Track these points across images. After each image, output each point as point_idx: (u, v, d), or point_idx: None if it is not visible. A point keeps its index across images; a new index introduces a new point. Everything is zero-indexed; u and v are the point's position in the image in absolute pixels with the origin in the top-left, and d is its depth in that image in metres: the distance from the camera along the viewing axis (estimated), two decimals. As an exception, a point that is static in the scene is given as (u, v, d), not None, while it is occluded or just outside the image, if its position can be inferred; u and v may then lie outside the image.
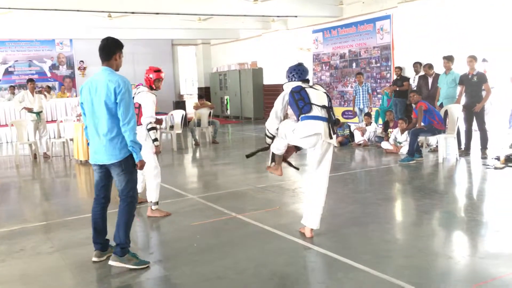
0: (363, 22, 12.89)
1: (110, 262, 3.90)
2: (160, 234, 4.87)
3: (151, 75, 5.47)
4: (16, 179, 8.47)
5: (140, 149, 3.83)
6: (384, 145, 9.43)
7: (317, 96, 4.34)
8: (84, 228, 5.08)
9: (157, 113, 5.86)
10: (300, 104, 4.25)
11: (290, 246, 4.34)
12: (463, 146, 8.70)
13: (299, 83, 4.41)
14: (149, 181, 5.48)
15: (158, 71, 5.51)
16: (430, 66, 9.69)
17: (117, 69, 3.91)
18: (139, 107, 5.41)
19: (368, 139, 10.29)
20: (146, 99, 5.33)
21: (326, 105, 4.34)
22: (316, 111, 4.26)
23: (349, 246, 4.24)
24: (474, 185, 6.93)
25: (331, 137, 4.31)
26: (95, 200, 4.09)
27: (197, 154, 10.54)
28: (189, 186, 7.42)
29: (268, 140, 4.59)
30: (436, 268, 3.70)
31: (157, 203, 5.48)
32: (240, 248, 4.39)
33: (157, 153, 5.57)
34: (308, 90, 4.34)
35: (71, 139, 10.10)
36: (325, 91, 4.50)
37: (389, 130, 9.83)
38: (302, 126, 4.27)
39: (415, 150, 8.20)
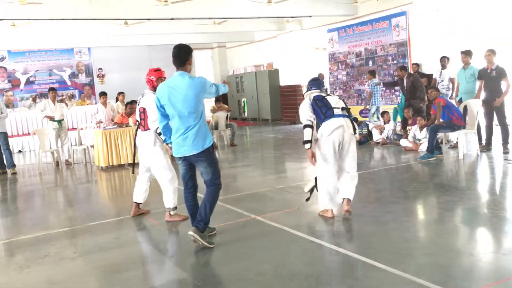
0: (378, 20, 12.81)
1: (190, 233, 4.32)
2: (180, 237, 4.91)
3: (152, 77, 5.42)
4: (39, 186, 8.65)
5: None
6: (403, 142, 9.35)
7: (336, 101, 5.11)
8: (106, 233, 5.17)
9: None
10: (323, 109, 5.01)
11: (309, 246, 4.34)
12: (484, 142, 8.56)
13: (319, 92, 5.19)
14: (164, 186, 5.43)
15: (158, 70, 5.49)
16: (401, 68, 9.93)
17: (189, 73, 4.39)
18: (143, 111, 5.40)
19: (387, 137, 10.21)
20: (150, 102, 5.22)
21: (344, 106, 5.09)
22: (337, 112, 5.00)
23: (369, 245, 4.22)
24: (496, 181, 6.82)
25: (355, 132, 5.01)
26: (185, 189, 4.59)
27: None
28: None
29: (307, 145, 5.07)
30: (458, 266, 3.66)
31: (175, 208, 5.47)
32: (259, 249, 4.41)
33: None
34: (328, 97, 5.11)
35: (92, 146, 10.26)
36: (339, 97, 5.29)
37: (407, 127, 9.74)
38: (326, 125, 4.96)
39: (434, 147, 8.11)
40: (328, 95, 5.18)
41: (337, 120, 4.94)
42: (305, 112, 5.07)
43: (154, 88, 5.39)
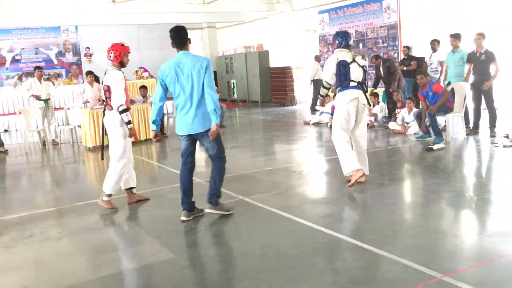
0: (369, 1, 12.71)
1: (207, 210, 4.66)
2: (168, 217, 4.90)
3: (119, 52, 5.11)
4: (25, 166, 8.56)
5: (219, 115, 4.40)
6: (392, 125, 9.38)
7: (357, 73, 5.57)
8: (93, 214, 5.14)
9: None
10: (342, 78, 5.52)
11: (297, 228, 4.36)
12: (471, 125, 8.62)
13: (347, 55, 5.56)
14: (111, 170, 5.19)
15: (123, 45, 5.22)
16: (377, 57, 10.50)
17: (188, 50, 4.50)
18: (108, 89, 5.12)
19: (375, 120, 10.22)
20: (114, 79, 5.06)
21: (361, 81, 5.62)
22: (352, 84, 5.54)
23: (356, 227, 4.26)
24: (482, 164, 6.89)
25: (369, 104, 5.68)
26: (184, 166, 4.66)
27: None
28: (197, 170, 7.36)
29: (324, 91, 5.81)
30: (443, 247, 3.71)
31: (110, 195, 5.21)
32: (247, 230, 4.42)
33: (131, 136, 5.21)
34: (352, 66, 5.53)
35: (79, 126, 10.16)
36: (363, 65, 5.67)
37: (396, 110, 9.76)
38: (343, 95, 5.55)
39: (424, 131, 8.15)
40: (354, 59, 5.58)
41: (352, 92, 5.53)
42: (330, 72, 5.59)
43: (121, 64, 5.16)
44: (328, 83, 5.71)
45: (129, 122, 5.11)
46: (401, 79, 10.40)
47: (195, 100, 4.39)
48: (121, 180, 5.26)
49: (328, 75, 5.65)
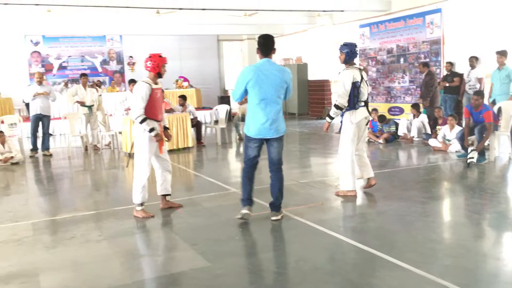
0: (412, 16, 12.55)
1: (273, 218, 4.88)
2: (203, 226, 4.95)
3: (157, 63, 5.14)
4: (68, 170, 8.84)
5: None
6: (432, 142, 9.17)
7: (365, 94, 5.67)
8: (131, 218, 5.25)
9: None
10: (355, 100, 5.58)
11: (332, 242, 4.31)
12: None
13: (358, 74, 5.55)
14: (134, 178, 5.20)
15: (160, 55, 5.22)
16: (424, 64, 10.58)
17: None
18: None
19: (418, 132, 9.99)
20: (136, 89, 5.11)
21: (366, 100, 5.73)
22: (361, 104, 5.66)
23: (393, 244, 4.16)
24: (527, 186, 6.63)
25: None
26: (251, 165, 4.93)
27: (241, 149, 10.62)
28: (233, 180, 7.49)
29: (337, 112, 5.66)
30: (484, 270, 3.59)
31: (142, 204, 5.25)
32: (281, 242, 4.41)
33: (158, 140, 5.16)
34: (362, 86, 5.59)
35: (120, 132, 10.42)
36: (366, 79, 5.74)
37: (437, 127, 9.54)
38: (355, 114, 5.64)
39: (466, 149, 7.92)
40: (362, 78, 5.61)
41: (363, 111, 5.68)
42: (346, 91, 5.53)
43: (158, 75, 5.18)
44: (344, 105, 5.58)
45: (151, 130, 5.08)
46: (436, 96, 10.21)
47: (275, 106, 4.67)
48: (146, 188, 5.22)
49: (344, 97, 5.54)
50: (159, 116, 5.26)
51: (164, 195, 5.53)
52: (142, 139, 5.17)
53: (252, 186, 4.94)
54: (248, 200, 4.91)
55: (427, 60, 12.01)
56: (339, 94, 5.62)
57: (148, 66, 5.19)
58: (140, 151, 5.21)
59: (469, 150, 7.51)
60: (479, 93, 8.03)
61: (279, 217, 4.93)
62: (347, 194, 5.79)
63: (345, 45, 5.64)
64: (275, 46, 4.79)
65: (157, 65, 5.16)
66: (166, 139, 5.44)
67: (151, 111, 5.11)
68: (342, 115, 5.77)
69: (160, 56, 5.22)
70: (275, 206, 4.93)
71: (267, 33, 4.82)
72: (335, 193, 5.95)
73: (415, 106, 10.34)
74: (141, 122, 5.05)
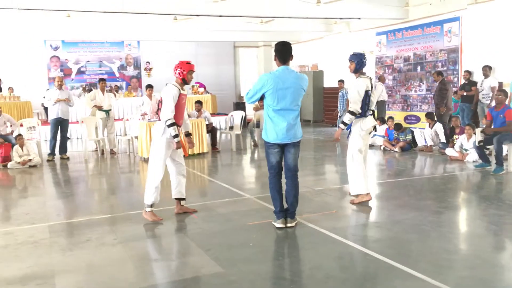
0: (429, 24, 12.48)
1: (288, 224, 4.87)
2: (217, 232, 4.96)
3: (183, 70, 5.25)
4: (84, 173, 8.94)
5: None
6: (449, 151, 9.07)
7: (373, 103, 5.84)
8: (146, 223, 5.28)
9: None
10: (366, 108, 5.69)
11: (346, 250, 4.29)
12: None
13: (369, 83, 5.68)
14: (147, 179, 5.30)
15: (189, 63, 5.35)
16: (438, 73, 10.39)
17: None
18: (161, 101, 5.26)
19: (432, 141, 9.90)
20: (166, 92, 5.20)
21: (373, 109, 5.93)
22: (370, 113, 5.81)
23: (408, 254, 4.12)
24: (547, 197, 6.51)
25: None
26: (277, 174, 4.92)
27: (255, 155, 10.63)
28: (247, 186, 7.50)
29: (342, 126, 5.74)
30: (502, 281, 3.53)
31: (152, 205, 5.32)
32: (295, 249, 4.39)
33: (179, 148, 5.31)
34: (372, 95, 5.74)
35: (136, 137, 10.51)
36: (374, 85, 5.93)
37: (454, 136, 9.44)
38: (365, 122, 5.75)
39: (485, 158, 7.83)
40: (372, 86, 5.74)
41: (371, 119, 5.82)
42: (360, 97, 5.60)
43: (183, 81, 5.30)
44: (358, 111, 5.66)
45: (176, 136, 5.18)
46: (450, 103, 10.13)
47: (293, 112, 4.73)
48: (158, 190, 5.31)
49: (357, 102, 5.63)
50: (180, 121, 5.38)
51: (179, 200, 5.57)
52: (160, 141, 5.25)
53: (281, 197, 4.92)
54: (281, 213, 4.90)
55: (445, 68, 11.92)
56: (353, 101, 5.67)
57: (175, 73, 5.32)
58: (156, 152, 5.28)
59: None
60: (501, 90, 7.89)
61: (293, 223, 4.92)
62: (362, 200, 5.79)
63: (355, 54, 5.82)
64: (292, 53, 4.79)
65: (182, 72, 5.28)
66: (189, 144, 5.57)
67: (173, 115, 5.21)
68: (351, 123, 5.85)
69: (188, 63, 5.36)
70: (290, 213, 4.93)
71: (284, 40, 4.83)
72: (350, 201, 5.91)
73: (429, 115, 10.24)
74: (170, 125, 5.15)
